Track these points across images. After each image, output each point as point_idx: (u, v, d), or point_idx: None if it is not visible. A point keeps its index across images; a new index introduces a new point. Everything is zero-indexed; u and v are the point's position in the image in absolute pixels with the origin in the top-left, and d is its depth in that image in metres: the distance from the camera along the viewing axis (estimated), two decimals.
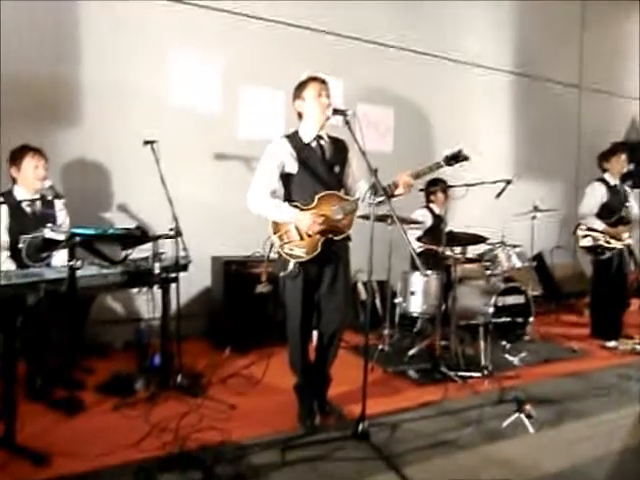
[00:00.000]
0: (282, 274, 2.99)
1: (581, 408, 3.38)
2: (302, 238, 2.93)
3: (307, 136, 3.03)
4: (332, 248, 2.97)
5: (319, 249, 2.92)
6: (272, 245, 3.03)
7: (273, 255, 3.08)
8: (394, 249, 4.38)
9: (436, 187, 4.84)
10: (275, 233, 2.99)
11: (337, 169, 3.05)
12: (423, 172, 2.97)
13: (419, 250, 4.72)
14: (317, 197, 2.93)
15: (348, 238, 3.07)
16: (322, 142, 3.04)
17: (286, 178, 3.01)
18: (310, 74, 3.12)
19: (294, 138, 3.04)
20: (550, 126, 6.88)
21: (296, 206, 2.95)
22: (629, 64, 7.73)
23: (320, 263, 2.99)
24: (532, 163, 6.66)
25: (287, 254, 2.96)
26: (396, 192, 2.90)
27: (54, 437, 2.79)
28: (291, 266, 2.95)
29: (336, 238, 2.95)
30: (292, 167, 2.98)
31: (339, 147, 3.10)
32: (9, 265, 3.26)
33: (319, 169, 2.99)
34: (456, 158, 2.98)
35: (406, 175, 2.91)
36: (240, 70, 4.89)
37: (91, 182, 4.38)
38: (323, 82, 3.05)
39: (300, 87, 3.07)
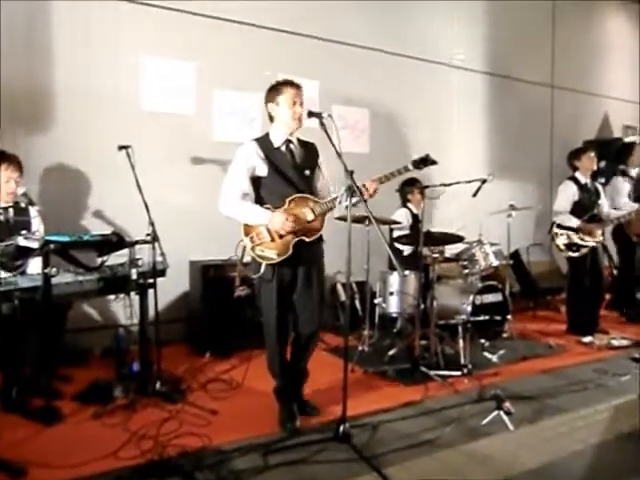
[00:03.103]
0: (255, 276, 3.02)
1: (559, 404, 3.43)
2: (273, 239, 2.95)
3: (277, 140, 3.07)
4: (305, 250, 2.99)
5: (291, 250, 2.95)
6: (244, 248, 3.03)
7: (247, 258, 3.10)
8: (373, 250, 4.40)
9: (412, 187, 4.88)
10: (246, 235, 3.01)
11: (307, 172, 3.08)
12: (391, 175, 3.00)
13: (407, 252, 4.75)
14: (288, 200, 2.96)
15: (321, 239, 3.10)
16: (292, 146, 3.08)
17: (257, 181, 3.04)
18: (285, 78, 3.12)
19: (264, 141, 3.06)
20: (524, 125, 6.97)
21: (267, 208, 2.98)
22: (600, 62, 7.88)
23: (293, 265, 3.02)
24: (507, 162, 6.72)
25: (259, 256, 2.98)
26: (365, 196, 2.90)
27: (31, 448, 2.74)
28: (263, 268, 2.98)
29: (307, 239, 2.98)
30: (262, 170, 3.01)
31: (309, 151, 3.14)
32: None
33: (289, 173, 3.01)
34: (424, 162, 3.04)
35: (371, 181, 2.93)
36: (214, 73, 4.87)
37: (66, 188, 4.32)
38: (298, 87, 3.06)
39: (274, 90, 3.06)
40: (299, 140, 3.14)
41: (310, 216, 2.96)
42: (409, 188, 4.92)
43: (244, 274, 3.30)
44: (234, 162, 3.07)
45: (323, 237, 3.13)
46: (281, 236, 2.95)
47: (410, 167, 3.04)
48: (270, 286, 3.01)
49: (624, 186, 5.64)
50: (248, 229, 3.01)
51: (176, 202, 4.58)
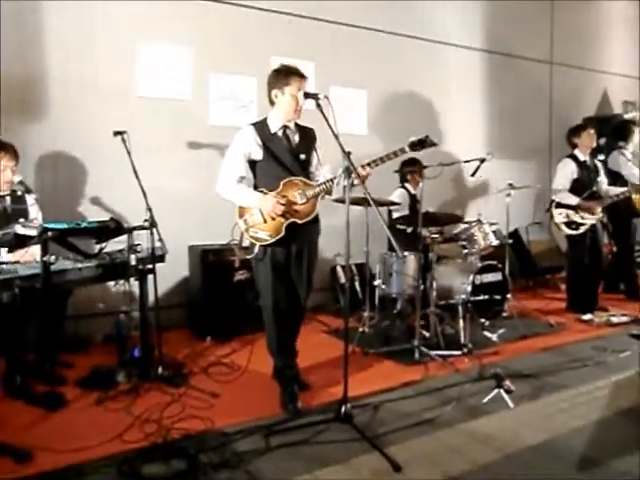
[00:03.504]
0: (249, 257, 3.10)
1: (559, 381, 3.45)
2: (265, 221, 3.02)
3: (274, 125, 3.11)
4: (298, 231, 3.06)
5: (283, 232, 3.01)
6: (242, 232, 3.09)
7: (245, 242, 3.14)
8: (372, 231, 4.39)
9: (410, 167, 4.85)
10: (240, 217, 3.09)
11: (303, 157, 3.14)
12: (387, 158, 2.99)
13: (407, 232, 4.74)
14: (282, 182, 3.02)
15: (316, 221, 3.16)
16: (288, 131, 3.13)
17: (253, 165, 3.11)
18: (293, 67, 3.10)
19: (261, 126, 3.11)
20: (523, 103, 6.92)
21: (261, 191, 3.05)
22: (599, 38, 7.79)
23: (287, 245, 3.08)
24: (505, 140, 6.70)
25: (252, 237, 3.06)
26: (355, 182, 2.91)
27: (36, 433, 2.77)
28: (256, 249, 3.06)
29: (300, 221, 3.04)
30: (258, 155, 3.08)
31: (306, 135, 3.19)
32: None
33: (284, 157, 3.07)
34: (422, 143, 3.00)
35: (361, 167, 2.91)
36: (209, 57, 4.82)
37: (63, 176, 4.31)
38: (304, 77, 3.09)
39: (282, 78, 3.08)
40: (297, 125, 3.18)
41: (301, 199, 3.01)
42: (408, 168, 4.89)
43: (242, 257, 3.30)
44: (231, 146, 3.13)
45: (319, 218, 3.18)
46: (273, 218, 3.00)
47: (407, 149, 3.02)
48: (264, 266, 3.09)
49: (623, 162, 5.62)
50: (242, 211, 3.09)
51: (174, 187, 4.57)
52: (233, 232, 3.09)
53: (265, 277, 3.10)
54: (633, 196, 5.35)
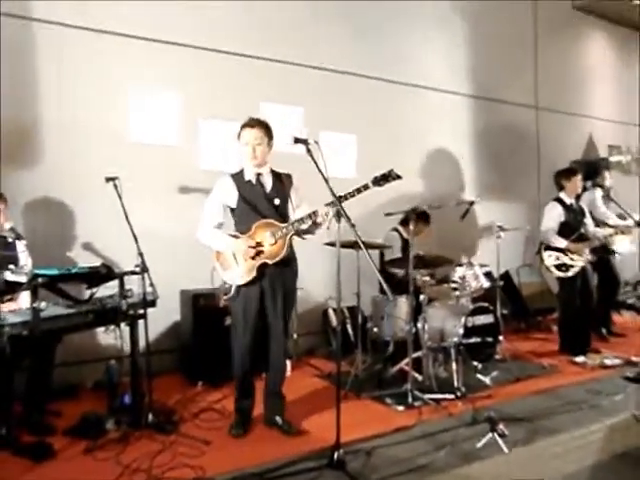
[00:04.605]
0: (224, 298, 3.28)
1: (553, 425, 3.42)
2: (238, 263, 3.21)
3: (248, 174, 3.34)
4: (271, 271, 3.22)
5: (255, 273, 3.19)
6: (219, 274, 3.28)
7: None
8: (364, 274, 4.41)
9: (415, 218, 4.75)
10: (217, 260, 3.30)
11: (277, 202, 3.31)
12: (351, 195, 3.03)
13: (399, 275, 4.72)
14: (254, 225, 3.22)
15: (289, 261, 3.29)
16: (262, 178, 3.34)
17: (232, 211, 3.36)
18: (248, 119, 3.32)
19: (238, 176, 3.36)
20: (510, 147, 7.06)
21: (234, 235, 3.27)
22: (583, 83, 8.04)
23: (260, 285, 3.24)
24: (494, 183, 6.81)
25: (228, 278, 3.25)
26: (318, 221, 3.10)
27: None
28: (232, 291, 3.24)
29: (270, 262, 3.18)
30: (233, 202, 3.32)
31: (281, 181, 3.38)
32: None
33: (259, 202, 3.28)
34: (385, 178, 3.02)
35: (324, 206, 3.03)
36: (199, 103, 4.91)
37: (54, 221, 4.32)
38: (252, 127, 3.28)
39: (239, 131, 3.33)
40: (272, 171, 3.39)
41: (271, 240, 3.16)
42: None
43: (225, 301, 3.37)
44: (210, 195, 3.40)
45: (294, 259, 3.34)
46: (246, 259, 3.18)
47: (370, 185, 3.04)
48: (238, 305, 3.27)
49: (593, 202, 5.84)
50: (218, 255, 3.30)
51: (165, 232, 4.58)
52: (212, 275, 3.32)
53: (236, 314, 3.30)
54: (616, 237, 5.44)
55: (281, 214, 3.30)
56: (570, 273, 5.02)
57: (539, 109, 7.46)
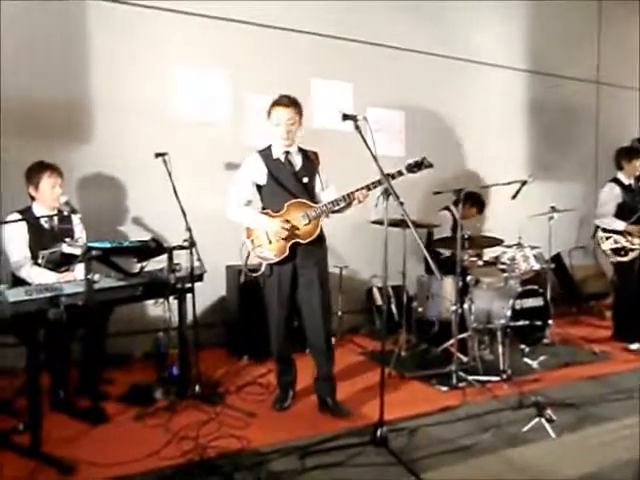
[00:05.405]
0: (257, 274, 3.30)
1: (603, 412, 3.33)
2: (271, 242, 3.21)
3: (277, 151, 3.31)
4: (303, 251, 3.23)
5: (287, 252, 3.19)
6: (249, 251, 3.30)
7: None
8: (409, 253, 4.37)
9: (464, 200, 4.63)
10: (248, 237, 3.30)
11: (306, 180, 3.30)
12: (382, 181, 2.96)
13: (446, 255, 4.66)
14: (286, 205, 3.19)
15: (320, 241, 3.27)
16: (290, 156, 3.30)
17: (259, 189, 3.33)
18: (279, 96, 3.29)
19: (266, 153, 3.32)
20: (567, 124, 6.79)
21: (267, 213, 3.25)
22: None
23: (292, 264, 3.25)
24: (549, 162, 6.57)
25: (259, 256, 3.27)
26: (353, 204, 3.13)
27: (79, 446, 2.84)
28: (263, 267, 3.26)
29: (303, 242, 3.19)
30: (262, 179, 3.29)
31: (309, 159, 3.35)
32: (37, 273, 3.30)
33: (287, 181, 3.25)
34: (419, 166, 3.05)
35: (357, 190, 3.08)
36: (247, 78, 4.90)
37: (105, 196, 4.44)
38: (287, 106, 3.23)
39: (269, 110, 3.28)
40: (300, 149, 3.35)
41: (305, 221, 3.16)
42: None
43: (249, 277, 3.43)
44: (238, 172, 3.39)
45: (324, 238, 3.32)
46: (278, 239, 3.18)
47: (404, 172, 3.05)
48: (270, 282, 3.30)
49: None
50: (249, 232, 3.30)
51: (213, 207, 4.59)
52: (241, 251, 3.30)
53: (271, 292, 3.32)
54: None
55: (309, 193, 3.30)
56: (628, 257, 4.84)
57: (600, 84, 7.12)
